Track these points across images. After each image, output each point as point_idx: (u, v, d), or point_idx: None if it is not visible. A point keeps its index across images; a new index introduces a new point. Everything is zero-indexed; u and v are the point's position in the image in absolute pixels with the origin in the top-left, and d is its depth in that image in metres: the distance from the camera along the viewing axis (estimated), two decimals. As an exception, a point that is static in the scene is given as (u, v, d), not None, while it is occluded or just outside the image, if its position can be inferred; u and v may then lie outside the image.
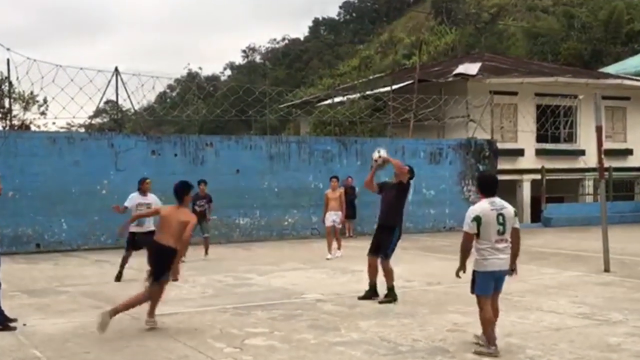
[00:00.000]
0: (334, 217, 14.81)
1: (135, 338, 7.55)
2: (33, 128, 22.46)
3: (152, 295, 7.94)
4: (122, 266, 11.76)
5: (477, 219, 6.61)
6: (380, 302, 9.46)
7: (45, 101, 22.85)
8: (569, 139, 25.99)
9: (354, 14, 76.38)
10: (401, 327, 7.97)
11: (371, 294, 9.74)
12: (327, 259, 14.36)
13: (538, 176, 23.65)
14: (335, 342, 7.30)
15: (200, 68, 70.71)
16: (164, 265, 7.84)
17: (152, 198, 11.81)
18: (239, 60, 77.45)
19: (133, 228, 11.62)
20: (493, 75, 24.31)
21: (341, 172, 19.18)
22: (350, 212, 19.14)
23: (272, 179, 19.31)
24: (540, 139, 25.05)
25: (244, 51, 76.93)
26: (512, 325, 7.97)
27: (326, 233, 15.09)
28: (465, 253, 6.76)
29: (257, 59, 76.49)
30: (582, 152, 25.23)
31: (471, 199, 21.91)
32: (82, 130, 28.81)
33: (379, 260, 9.66)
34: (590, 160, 23.43)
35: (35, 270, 13.37)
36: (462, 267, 6.83)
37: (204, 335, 7.64)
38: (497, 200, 6.76)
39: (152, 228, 11.74)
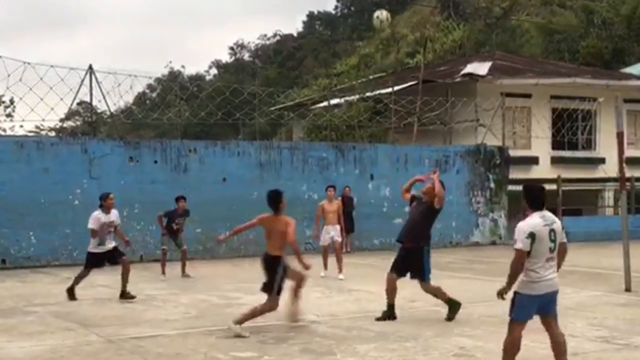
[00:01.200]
0: (332, 232, 14.57)
1: (111, 363, 7.57)
2: (-2, 131, 22.49)
3: (272, 307, 9.04)
4: (76, 283, 11.85)
5: (532, 236, 6.47)
6: (449, 319, 9.72)
7: (12, 102, 22.92)
8: (587, 146, 26.13)
9: (352, 8, 76.57)
10: (403, 351, 8.01)
11: (389, 314, 9.86)
12: (322, 276, 14.23)
13: (554, 186, 23.71)
14: (330, 367, 7.34)
15: (183, 66, 70.45)
16: (274, 276, 8.92)
17: (114, 215, 11.87)
18: (225, 58, 77.55)
19: (94, 249, 11.68)
20: (505, 76, 24.45)
21: (338, 181, 19.22)
22: (348, 225, 19.15)
23: (262, 189, 19.14)
24: (556, 145, 25.17)
25: (231, 48, 76.94)
26: (525, 350, 7.99)
27: (322, 251, 14.73)
28: (516, 274, 6.56)
29: (246, 56, 76.57)
30: (601, 161, 25.36)
31: (479, 212, 22.04)
32: (53, 134, 28.84)
33: (413, 281, 9.98)
34: (610, 169, 23.55)
35: (1, 288, 13.36)
36: (509, 289, 6.64)
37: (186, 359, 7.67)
38: (547, 214, 6.69)
39: (113, 245, 11.78)
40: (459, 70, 25.33)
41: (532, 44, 44.73)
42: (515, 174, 22.89)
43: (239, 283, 13.79)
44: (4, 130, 23.06)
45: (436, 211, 10.10)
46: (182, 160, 18.48)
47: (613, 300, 11.67)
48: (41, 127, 29.83)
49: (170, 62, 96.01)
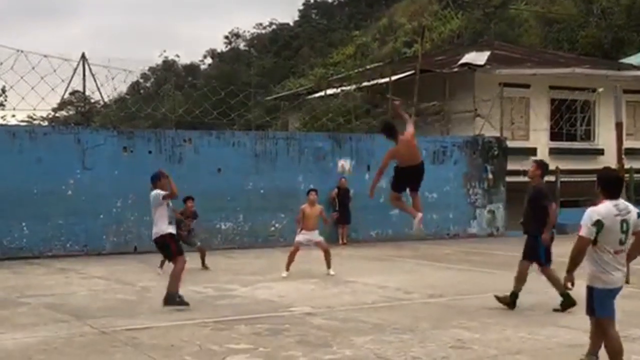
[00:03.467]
0: (310, 235, 13.61)
1: (104, 355, 7.58)
2: (-10, 121, 22.40)
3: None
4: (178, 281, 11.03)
5: (599, 225, 6.24)
6: (558, 310, 9.81)
7: (3, 91, 22.79)
8: (586, 137, 26.13)
9: (349, -4, 76.43)
10: (399, 343, 8.03)
11: (570, 302, 9.73)
12: (283, 276, 13.30)
13: (552, 178, 23.76)
14: (326, 359, 7.36)
15: (178, 56, 70.20)
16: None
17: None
18: (221, 47, 77.37)
19: (172, 229, 10.60)
20: (503, 66, 24.41)
21: (334, 172, 19.25)
22: (344, 217, 19.18)
23: (257, 180, 19.34)
24: (554, 136, 25.17)
25: (226, 37, 76.70)
26: (522, 342, 8.06)
27: (293, 248, 13.61)
28: (576, 261, 6.39)
29: (242, 46, 76.40)
30: (600, 152, 25.38)
31: (477, 203, 22.08)
32: (45, 123, 28.79)
33: (539, 269, 10.10)
34: (609, 160, 23.57)
35: (-7, 280, 13.36)
36: (571, 277, 6.50)
37: (180, 351, 7.67)
38: (622, 203, 6.43)
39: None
40: (456, 60, 25.28)
41: (531, 33, 44.70)
42: (513, 165, 22.87)
43: (234, 275, 13.81)
44: (-4, 119, 22.97)
45: (535, 193, 10.08)
46: (176, 150, 18.45)
47: (611, 292, 11.68)
48: (33, 117, 29.78)
49: (165, 51, 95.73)
